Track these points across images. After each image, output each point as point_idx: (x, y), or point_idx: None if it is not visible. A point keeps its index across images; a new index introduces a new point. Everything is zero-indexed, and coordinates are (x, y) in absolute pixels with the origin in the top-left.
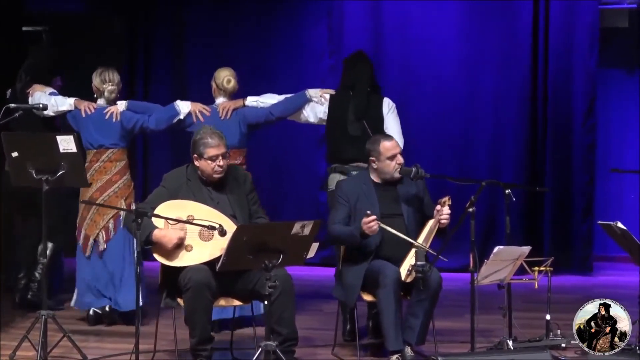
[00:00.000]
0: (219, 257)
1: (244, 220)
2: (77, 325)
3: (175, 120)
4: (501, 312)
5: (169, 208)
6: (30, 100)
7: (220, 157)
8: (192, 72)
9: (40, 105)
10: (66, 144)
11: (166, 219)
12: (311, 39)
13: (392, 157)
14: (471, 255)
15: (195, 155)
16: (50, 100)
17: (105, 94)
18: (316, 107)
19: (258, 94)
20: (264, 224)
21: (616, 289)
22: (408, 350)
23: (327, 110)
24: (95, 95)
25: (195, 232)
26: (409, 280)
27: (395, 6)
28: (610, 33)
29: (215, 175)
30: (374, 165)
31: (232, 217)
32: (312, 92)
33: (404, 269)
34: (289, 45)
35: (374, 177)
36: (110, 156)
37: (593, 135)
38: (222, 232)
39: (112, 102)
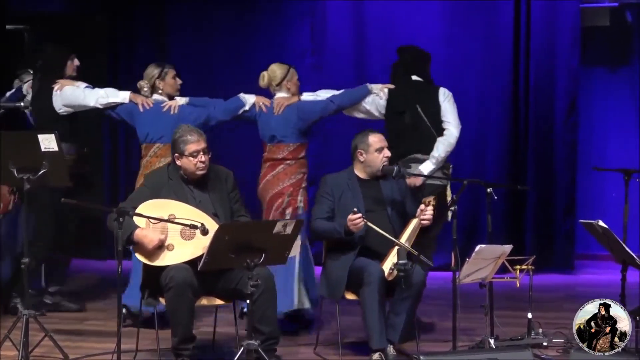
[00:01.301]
0: (201, 256)
1: (225, 218)
2: (59, 325)
3: (241, 111)
4: (483, 310)
5: (150, 207)
6: (59, 96)
7: (202, 153)
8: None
9: (22, 104)
10: (48, 142)
11: (148, 218)
12: (293, 37)
13: (380, 150)
14: (453, 254)
15: (176, 154)
16: (98, 92)
17: (165, 88)
18: (377, 101)
19: (238, 91)
20: (245, 223)
21: (598, 287)
22: (390, 349)
23: (385, 104)
24: (144, 90)
25: (176, 231)
26: (390, 278)
27: (377, 6)
28: (591, 32)
29: (198, 172)
30: (361, 159)
31: (214, 215)
32: (373, 86)
33: (386, 267)
34: (271, 43)
35: (359, 173)
36: (156, 151)
37: (575, 134)
38: (204, 231)
39: (166, 96)
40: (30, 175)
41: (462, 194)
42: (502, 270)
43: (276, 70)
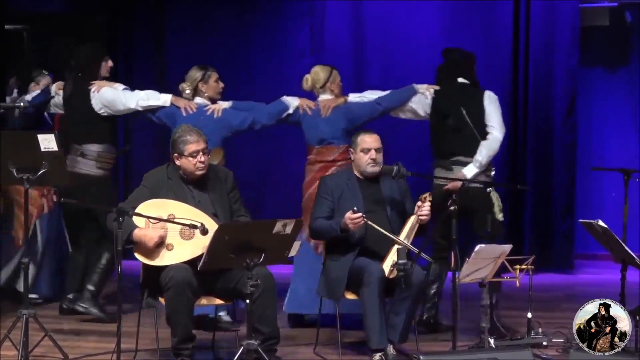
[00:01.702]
0: (200, 256)
1: (225, 218)
2: (59, 324)
3: (285, 114)
4: (482, 310)
5: (150, 207)
6: (97, 97)
7: (201, 153)
8: (173, 69)
9: (21, 104)
10: (47, 142)
11: (148, 217)
12: (292, 37)
13: (365, 150)
14: (452, 254)
15: (175, 154)
16: (138, 95)
17: (207, 92)
18: (423, 101)
19: (238, 91)
20: (245, 223)
21: (597, 287)
22: (390, 349)
23: (430, 105)
24: (185, 93)
25: (176, 231)
26: (391, 277)
27: (376, 6)
28: (590, 31)
29: (198, 172)
30: (352, 158)
31: (214, 215)
32: (419, 87)
33: (386, 266)
34: (270, 43)
35: (357, 173)
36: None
37: (574, 134)
38: (204, 231)
39: (209, 99)
40: (29, 175)
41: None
42: (502, 270)
43: (319, 72)
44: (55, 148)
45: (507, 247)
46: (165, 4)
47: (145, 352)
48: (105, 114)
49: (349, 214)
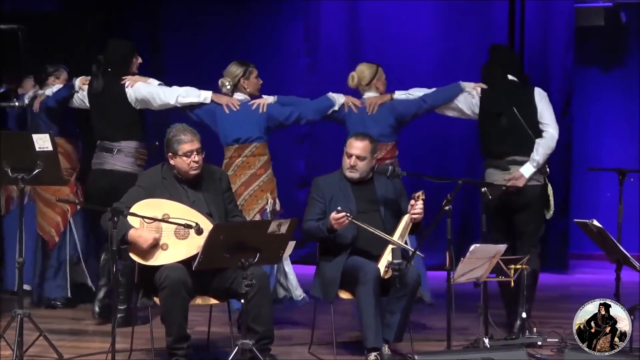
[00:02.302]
0: (195, 255)
1: (219, 218)
2: (53, 324)
3: (330, 111)
4: (477, 310)
5: (145, 207)
6: (130, 92)
7: (195, 153)
8: (168, 69)
9: (16, 104)
10: (42, 142)
11: (142, 217)
12: (288, 36)
13: (348, 155)
14: (447, 254)
15: (170, 153)
16: (177, 91)
17: (248, 88)
18: (470, 99)
19: None
20: (240, 222)
21: (592, 287)
22: (385, 348)
23: (479, 104)
24: (226, 88)
25: (170, 230)
26: (387, 276)
27: (371, 5)
28: (586, 31)
29: (192, 172)
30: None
31: (208, 215)
32: (465, 84)
33: (381, 265)
34: (265, 43)
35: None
36: (253, 150)
37: (569, 134)
38: (199, 231)
39: (249, 95)
40: (24, 175)
41: (456, 193)
42: (497, 269)
43: (365, 70)
44: (50, 148)
45: (502, 247)
46: (161, 4)
47: (140, 352)
48: (139, 108)
49: (333, 214)
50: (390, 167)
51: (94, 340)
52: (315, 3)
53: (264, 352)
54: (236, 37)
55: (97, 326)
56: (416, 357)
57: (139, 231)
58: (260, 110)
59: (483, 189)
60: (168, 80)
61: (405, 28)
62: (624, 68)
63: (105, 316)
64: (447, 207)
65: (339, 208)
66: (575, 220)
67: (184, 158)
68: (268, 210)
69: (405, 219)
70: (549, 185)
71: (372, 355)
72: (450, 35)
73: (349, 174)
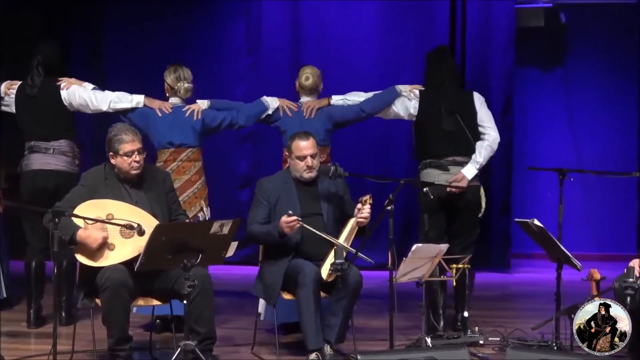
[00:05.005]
0: (139, 255)
1: (163, 218)
2: None
3: (264, 115)
4: (420, 309)
5: (89, 207)
6: (65, 95)
7: (136, 153)
8: (110, 71)
9: None
10: None
11: (84, 218)
12: (229, 37)
13: (301, 158)
14: (389, 253)
15: (111, 153)
16: (109, 96)
17: (182, 92)
18: (406, 102)
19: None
20: (182, 223)
21: (534, 286)
22: (327, 349)
23: (417, 106)
24: (167, 94)
25: (116, 230)
26: (330, 279)
27: (313, 5)
28: (526, 32)
29: (133, 172)
30: (289, 160)
31: (152, 215)
32: (401, 88)
33: (325, 269)
34: (207, 43)
35: (293, 175)
36: (189, 155)
37: (510, 133)
38: (141, 232)
39: (187, 100)
40: None
41: (398, 193)
42: (439, 269)
43: (317, 73)
44: None
45: (444, 247)
46: (102, 4)
47: (82, 354)
48: (73, 110)
49: (284, 218)
50: (332, 168)
51: (36, 342)
52: (257, 3)
53: (206, 352)
54: (178, 38)
55: (40, 328)
56: (359, 356)
57: (88, 231)
58: (195, 117)
59: (425, 189)
60: (111, 82)
61: (347, 28)
62: (563, 68)
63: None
64: (389, 207)
65: (289, 212)
66: (516, 219)
67: (125, 158)
68: (200, 219)
69: (352, 222)
70: (481, 187)
71: (313, 355)
72: (391, 35)
73: (307, 175)
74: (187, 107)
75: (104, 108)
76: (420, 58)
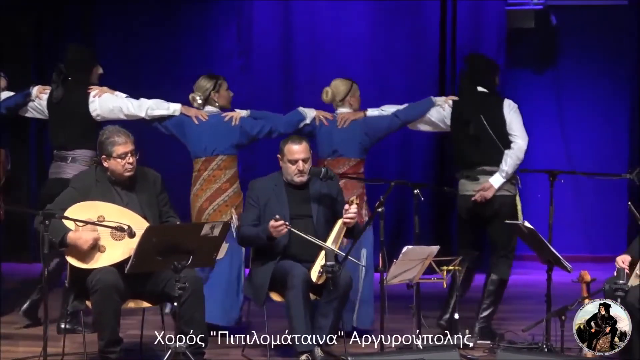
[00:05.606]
0: (129, 257)
1: (154, 220)
2: None
3: (302, 124)
4: (410, 311)
5: (79, 209)
6: (96, 102)
7: (129, 155)
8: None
9: None
10: None
11: (75, 220)
12: (220, 38)
13: (293, 162)
14: (380, 255)
15: (103, 156)
16: (146, 103)
17: (219, 101)
18: (441, 112)
19: (165, 93)
20: (173, 225)
21: (524, 287)
22: (317, 351)
23: (450, 115)
24: (197, 102)
25: (107, 232)
26: (320, 281)
27: (304, 6)
28: (517, 33)
29: (126, 174)
30: (281, 164)
31: (143, 217)
32: (436, 99)
33: (315, 272)
34: (198, 44)
35: (285, 178)
36: (219, 164)
37: None
38: (131, 234)
39: (220, 108)
40: None
41: (389, 195)
42: (430, 271)
43: (339, 85)
44: None
45: (435, 249)
46: (93, 6)
47: (72, 356)
48: (99, 120)
49: (272, 222)
50: (323, 170)
51: (27, 344)
52: (247, 4)
53: (197, 355)
54: (169, 39)
55: (32, 330)
56: (349, 358)
57: (78, 233)
58: (233, 123)
59: (415, 191)
60: (102, 84)
61: (338, 29)
62: (554, 70)
63: (32, 317)
64: (380, 209)
65: (277, 216)
66: (507, 221)
67: (118, 160)
68: (233, 227)
69: (339, 223)
70: (517, 196)
71: (304, 356)
72: (382, 36)
73: (298, 179)
74: (225, 114)
75: (142, 114)
76: (411, 59)
